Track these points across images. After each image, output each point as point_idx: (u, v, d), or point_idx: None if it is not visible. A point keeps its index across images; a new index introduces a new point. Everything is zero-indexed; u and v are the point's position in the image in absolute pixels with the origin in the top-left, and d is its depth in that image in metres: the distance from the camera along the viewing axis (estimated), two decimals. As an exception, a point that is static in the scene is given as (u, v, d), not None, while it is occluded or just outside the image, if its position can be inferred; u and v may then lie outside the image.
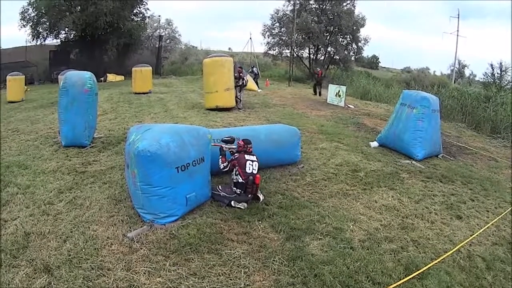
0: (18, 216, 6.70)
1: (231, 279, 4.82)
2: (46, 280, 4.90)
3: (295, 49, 44.22)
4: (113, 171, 8.63)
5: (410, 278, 5.08)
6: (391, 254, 5.69)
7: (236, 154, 7.02)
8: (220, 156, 7.13)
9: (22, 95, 24.08)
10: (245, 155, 6.91)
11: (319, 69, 29.57)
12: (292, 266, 5.14)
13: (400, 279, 5.04)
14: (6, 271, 5.16)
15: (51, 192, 7.54)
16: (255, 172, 6.82)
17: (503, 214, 7.56)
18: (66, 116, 10.25)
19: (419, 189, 8.45)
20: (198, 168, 6.51)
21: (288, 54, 45.40)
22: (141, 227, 6.03)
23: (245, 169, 6.78)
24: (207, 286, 4.68)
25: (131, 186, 6.67)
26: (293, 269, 5.07)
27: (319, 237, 5.97)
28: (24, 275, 5.05)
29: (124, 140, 10.71)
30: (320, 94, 25.10)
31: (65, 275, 4.95)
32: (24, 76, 25.69)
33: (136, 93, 22.78)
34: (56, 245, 5.66)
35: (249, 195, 6.87)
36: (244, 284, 4.75)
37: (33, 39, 42.32)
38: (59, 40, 44.48)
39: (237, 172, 6.85)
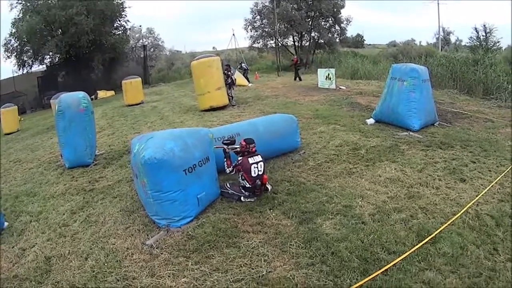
0: (36, 243, 6.76)
1: (253, 268, 4.95)
2: None
3: (279, 39, 44.20)
4: (121, 184, 8.72)
5: (423, 244, 5.21)
6: (401, 223, 5.83)
7: (240, 158, 6.95)
8: (225, 159, 7.11)
9: (17, 126, 24.05)
10: (249, 159, 6.86)
11: (295, 57, 32.08)
12: (309, 247, 5.28)
13: (414, 246, 5.17)
14: None
15: (64, 214, 7.62)
16: (261, 173, 6.84)
17: (505, 172, 7.70)
18: (66, 138, 10.31)
19: (420, 158, 8.59)
20: (205, 168, 6.60)
21: (273, 45, 45.46)
22: (158, 233, 6.12)
23: (250, 174, 6.77)
24: (231, 278, 4.79)
25: (142, 195, 6.77)
26: (310, 250, 5.21)
27: (330, 216, 6.10)
28: None
29: (126, 153, 10.95)
30: (300, 79, 26.44)
31: None
32: (16, 106, 25.68)
33: (129, 105, 22.78)
34: (79, 264, 5.75)
35: (258, 194, 6.94)
36: (266, 271, 4.87)
37: (19, 69, 42.19)
38: (45, 66, 44.38)
39: (243, 177, 6.85)
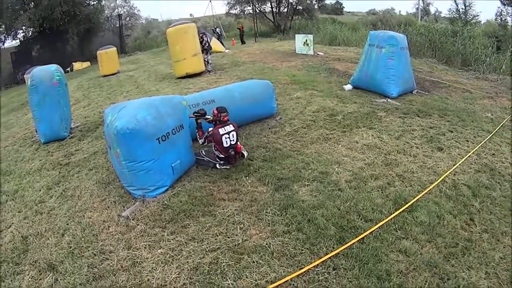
0: (12, 223, 6.72)
1: (228, 237, 4.98)
2: (52, 278, 4.99)
3: (256, 5, 43.88)
4: (97, 156, 8.66)
5: (400, 212, 5.28)
6: (378, 190, 5.89)
7: (210, 129, 6.86)
8: (197, 130, 7.05)
9: (-12, 106, 23.62)
10: (219, 129, 6.72)
11: (241, 25, 38.62)
12: (285, 215, 5.31)
13: (391, 214, 5.24)
14: (12, 280, 5.25)
15: (40, 190, 7.54)
16: (233, 143, 6.76)
17: (482, 143, 7.81)
18: (40, 113, 10.14)
19: (397, 125, 8.63)
20: (179, 136, 6.54)
21: (251, 11, 45.12)
22: (134, 204, 6.10)
23: (222, 145, 6.69)
24: (207, 247, 4.82)
25: (116, 166, 6.71)
26: (286, 218, 5.24)
27: (307, 183, 6.13)
28: (29, 278, 5.13)
29: (101, 124, 10.70)
30: (244, 43, 33.52)
31: (70, 268, 5.04)
32: (-11, 85, 25.23)
33: (104, 76, 22.32)
34: (56, 241, 5.73)
35: (233, 163, 6.92)
36: (242, 239, 4.91)
37: None
38: (18, 41, 43.30)
39: (215, 148, 6.81)
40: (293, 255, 4.58)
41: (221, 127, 6.71)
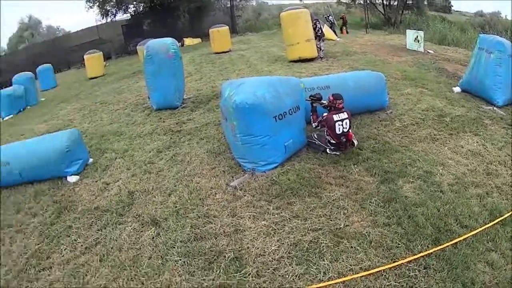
0: (120, 178, 7.25)
1: (331, 220, 5.11)
2: (154, 232, 5.40)
3: (367, -4, 42.83)
4: (208, 127, 8.96)
5: (493, 224, 5.14)
6: (477, 198, 5.74)
7: (324, 114, 6.86)
8: (311, 113, 7.10)
9: (102, 71, 25.21)
10: (334, 115, 6.73)
11: (344, 14, 36.88)
12: (387, 207, 5.36)
13: (485, 224, 5.13)
14: (113, 228, 5.73)
15: (150, 152, 8.04)
16: (345, 130, 6.77)
17: None
18: (154, 82, 10.70)
19: (501, 135, 8.24)
20: (294, 117, 6.68)
21: (361, 1, 44.09)
22: (243, 175, 6.37)
23: (334, 131, 6.71)
24: (309, 226, 4.99)
25: (230, 138, 7.00)
26: (388, 210, 5.29)
27: (411, 180, 6.11)
28: (131, 229, 5.59)
29: (214, 98, 11.15)
30: (347, 33, 31.07)
31: (173, 225, 5.42)
32: (101, 52, 26.67)
33: (216, 53, 22.65)
34: (162, 199, 6.15)
35: (343, 150, 6.95)
36: (344, 224, 5.02)
37: (103, 18, 43.13)
38: (128, 15, 45.10)
39: (327, 133, 6.85)
40: (389, 247, 4.65)
41: (335, 114, 6.73)
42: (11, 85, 21.02)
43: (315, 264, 4.42)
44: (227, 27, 24.63)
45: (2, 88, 22.90)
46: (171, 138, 8.69)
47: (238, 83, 6.80)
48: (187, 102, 11.43)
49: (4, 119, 18.31)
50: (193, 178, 6.63)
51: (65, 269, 5.23)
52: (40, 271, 5.36)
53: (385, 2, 46.06)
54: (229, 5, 47.92)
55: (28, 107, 19.72)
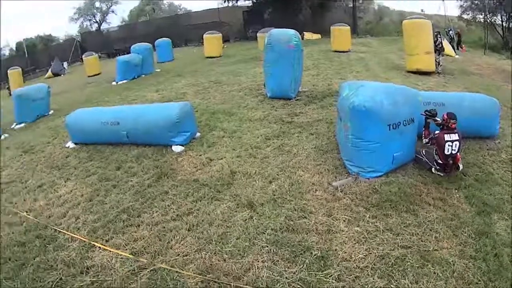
0: (224, 156, 7.63)
1: (422, 241, 5.03)
2: (248, 214, 5.66)
3: (488, 15, 40.64)
4: (320, 123, 9.03)
5: None
6: None
7: (436, 132, 6.72)
8: (424, 128, 6.98)
9: (220, 52, 26.14)
10: (445, 135, 6.53)
11: (459, 30, 34.06)
12: (477, 240, 5.17)
13: None
14: (208, 203, 6.07)
15: (258, 138, 8.33)
16: (454, 152, 6.58)
17: None
18: (272, 70, 10.99)
19: None
20: (408, 128, 6.58)
21: (482, 20, 41.95)
22: (346, 178, 6.41)
23: (443, 151, 6.53)
24: (399, 242, 4.96)
25: (341, 138, 7.04)
26: (478, 244, 5.10)
27: (506, 217, 5.80)
28: (226, 207, 5.89)
29: (329, 95, 11.23)
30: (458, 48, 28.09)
31: (268, 212, 5.64)
32: (220, 34, 27.74)
33: (335, 51, 22.58)
34: (262, 185, 6.38)
35: (448, 172, 6.76)
36: (433, 248, 4.93)
37: (225, 1, 45.46)
38: (250, 2, 46.79)
39: (436, 152, 6.71)
40: (470, 281, 4.52)
41: (447, 133, 6.58)
42: (129, 53, 22.66)
43: (396, 281, 4.43)
44: (348, 27, 24.52)
45: (120, 55, 24.85)
46: (281, 127, 8.88)
47: (357, 85, 6.85)
48: (301, 96, 11.55)
49: (118, 83, 19.95)
50: (296, 171, 6.78)
51: (152, 230, 5.68)
52: (127, 226, 5.89)
53: (504, 24, 43.25)
54: (351, 5, 47.34)
55: (143, 75, 21.14)
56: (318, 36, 37.13)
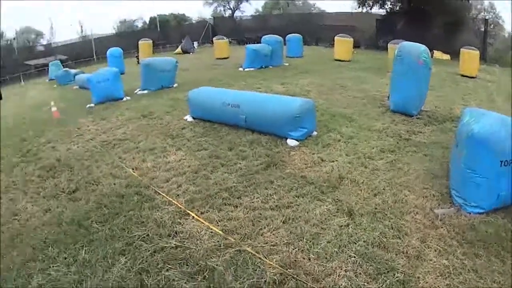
0: (336, 160, 7.77)
1: None
2: (345, 221, 5.72)
3: None
4: (435, 146, 8.85)
5: None
6: None
7: None
8: None
9: (349, 56, 26.51)
10: None
11: None
12: None
13: None
14: (309, 201, 6.27)
15: (373, 148, 8.41)
16: None
17: None
18: (399, 83, 10.98)
19: None
20: None
21: None
22: (449, 208, 6.23)
23: None
24: (481, 286, 4.73)
25: (454, 165, 6.82)
26: None
27: None
28: (325, 209, 6.01)
29: (449, 120, 10.97)
30: None
31: (365, 223, 5.68)
32: (352, 39, 27.87)
33: (462, 75, 22.00)
34: (366, 196, 6.44)
35: None
36: None
37: (359, 7, 45.76)
38: (384, 11, 46.17)
39: None
40: None
41: None
42: (259, 42, 23.58)
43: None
44: (478, 51, 23.62)
45: (250, 44, 25.94)
46: (397, 143, 8.90)
47: (481, 113, 6.63)
48: (423, 115, 11.41)
49: (245, 69, 21.01)
50: (403, 189, 6.74)
51: (248, 213, 5.99)
52: (225, 205, 6.27)
53: None
54: (482, 29, 45.27)
55: (271, 67, 21.97)
56: (447, 56, 35.99)
